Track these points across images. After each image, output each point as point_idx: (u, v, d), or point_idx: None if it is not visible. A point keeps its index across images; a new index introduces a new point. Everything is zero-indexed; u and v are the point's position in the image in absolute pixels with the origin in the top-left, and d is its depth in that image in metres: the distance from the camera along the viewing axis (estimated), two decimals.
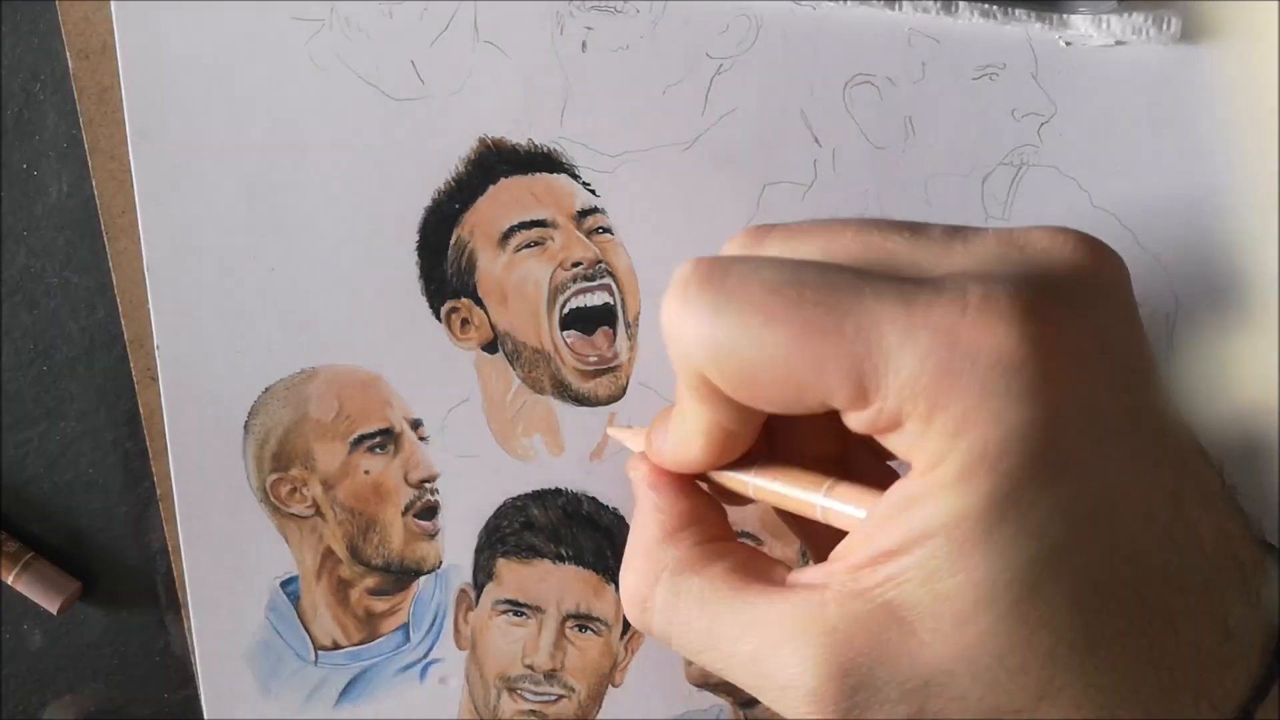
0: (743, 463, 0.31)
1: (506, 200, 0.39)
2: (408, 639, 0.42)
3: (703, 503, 0.32)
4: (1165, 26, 0.37)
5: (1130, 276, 0.29)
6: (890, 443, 0.27)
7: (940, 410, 0.26)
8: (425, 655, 0.42)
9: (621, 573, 0.32)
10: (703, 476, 0.32)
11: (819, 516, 0.30)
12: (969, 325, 0.25)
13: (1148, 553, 0.26)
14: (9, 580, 0.41)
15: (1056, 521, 0.26)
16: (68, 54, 0.39)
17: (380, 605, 0.42)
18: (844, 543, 0.28)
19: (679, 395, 0.30)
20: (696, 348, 0.28)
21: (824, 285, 0.27)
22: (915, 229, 0.29)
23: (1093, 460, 0.26)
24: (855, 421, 0.27)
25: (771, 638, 0.28)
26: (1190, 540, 0.27)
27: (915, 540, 0.26)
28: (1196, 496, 0.28)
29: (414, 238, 0.39)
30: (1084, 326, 0.26)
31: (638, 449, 0.36)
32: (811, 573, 0.28)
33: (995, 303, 0.26)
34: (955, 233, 0.29)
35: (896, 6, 0.37)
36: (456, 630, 0.42)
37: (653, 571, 0.31)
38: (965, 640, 0.26)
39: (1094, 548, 0.26)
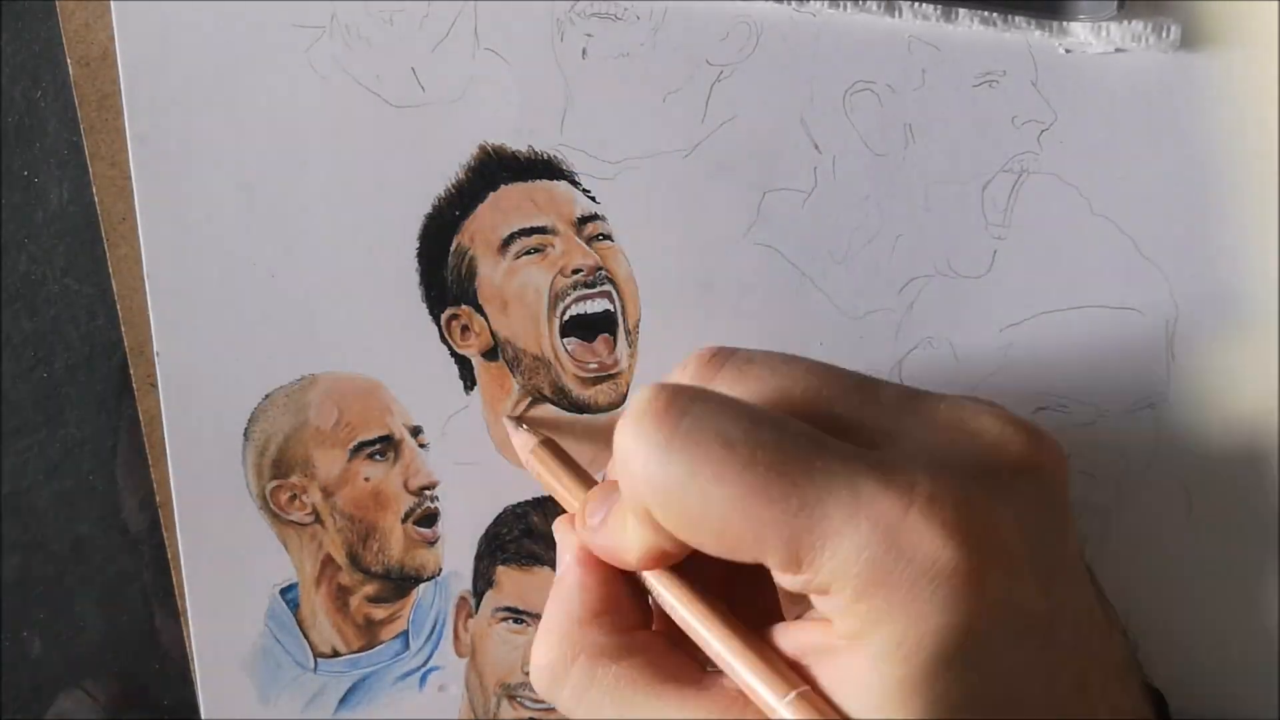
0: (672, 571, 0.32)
1: (506, 207, 0.39)
2: (407, 646, 0.42)
3: (626, 589, 0.33)
4: (1165, 34, 0.37)
5: (1067, 465, 0.30)
6: (814, 600, 0.29)
7: (867, 598, 0.27)
8: (425, 663, 0.42)
9: (535, 644, 0.33)
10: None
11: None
12: (910, 527, 0.27)
13: None
14: None
15: (963, 707, 0.27)
16: (68, 61, 0.39)
17: (380, 612, 0.42)
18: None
19: (621, 508, 0.31)
20: (644, 483, 0.28)
21: (777, 449, 0.27)
22: (866, 389, 0.30)
23: (1005, 654, 0.27)
24: (782, 579, 0.28)
25: None
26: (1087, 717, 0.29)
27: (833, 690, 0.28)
28: (1099, 679, 0.29)
29: (414, 245, 0.39)
30: (1019, 528, 0.28)
31: (522, 448, 0.38)
32: (728, 682, 0.29)
33: (939, 509, 0.27)
34: (907, 401, 0.30)
35: (896, 14, 0.37)
36: (456, 637, 0.42)
37: (570, 652, 0.31)
38: None
39: None
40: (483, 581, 0.41)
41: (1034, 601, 0.28)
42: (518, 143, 0.39)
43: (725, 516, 0.27)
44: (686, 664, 0.31)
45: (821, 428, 0.29)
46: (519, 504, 0.41)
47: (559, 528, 0.35)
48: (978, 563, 0.27)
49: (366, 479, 0.41)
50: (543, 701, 0.42)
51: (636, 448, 0.28)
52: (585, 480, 0.37)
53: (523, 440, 0.38)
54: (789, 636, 0.29)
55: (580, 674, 0.31)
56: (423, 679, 0.42)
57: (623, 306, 0.40)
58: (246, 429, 0.40)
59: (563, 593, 0.33)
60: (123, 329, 0.40)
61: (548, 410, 0.40)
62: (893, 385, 0.31)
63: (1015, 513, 0.28)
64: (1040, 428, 0.30)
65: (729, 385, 0.31)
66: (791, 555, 0.27)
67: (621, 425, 0.29)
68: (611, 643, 0.31)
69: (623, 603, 0.33)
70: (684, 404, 0.28)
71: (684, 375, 0.32)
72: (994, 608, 0.27)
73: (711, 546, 0.29)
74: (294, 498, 0.41)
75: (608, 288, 0.40)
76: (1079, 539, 0.33)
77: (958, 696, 0.27)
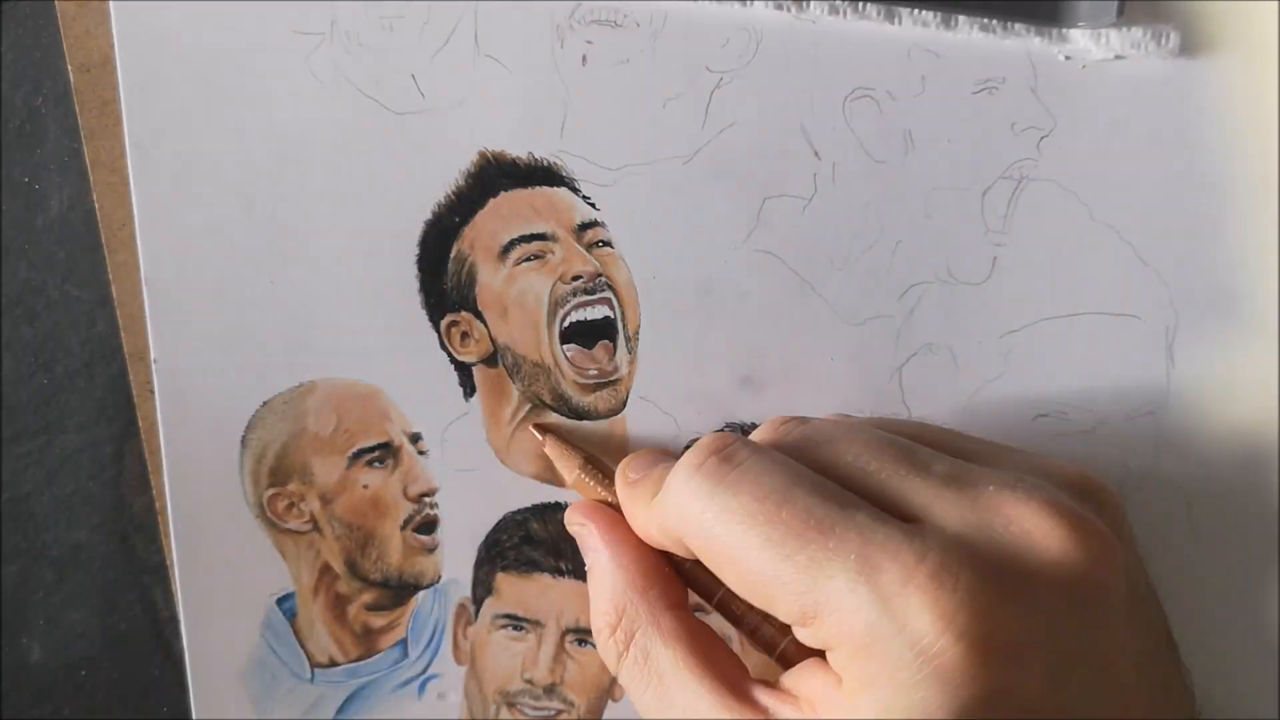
0: None
1: (506, 213, 0.39)
2: (406, 654, 0.42)
3: (662, 564, 0.35)
4: (1164, 41, 0.37)
5: (1117, 559, 0.30)
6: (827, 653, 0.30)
7: (860, 662, 0.28)
8: (424, 670, 0.42)
9: (594, 607, 0.35)
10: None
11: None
12: (907, 600, 0.27)
13: None
14: None
15: None
16: (69, 67, 0.39)
17: (378, 620, 0.42)
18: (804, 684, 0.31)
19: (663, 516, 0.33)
20: (682, 517, 0.31)
21: (803, 509, 0.29)
22: (917, 462, 0.31)
23: None
24: (794, 629, 0.30)
25: None
26: None
27: None
28: None
29: (414, 251, 0.39)
30: (1031, 621, 0.28)
31: (568, 474, 0.38)
32: (762, 695, 0.31)
33: (938, 587, 0.27)
34: (955, 479, 0.31)
35: (896, 21, 0.37)
36: (455, 645, 0.42)
37: (632, 615, 0.34)
38: None
39: None
40: (482, 588, 0.41)
41: (1045, 695, 0.28)
42: (518, 149, 0.39)
43: (745, 560, 0.29)
44: (727, 660, 0.33)
45: (868, 496, 0.30)
46: (518, 510, 0.41)
47: (575, 518, 0.37)
48: (969, 651, 0.27)
49: (365, 486, 0.41)
50: (542, 708, 0.41)
51: (688, 484, 0.31)
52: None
53: (567, 460, 0.39)
54: (804, 676, 0.31)
55: (636, 649, 0.33)
56: (421, 687, 0.42)
57: (622, 313, 0.40)
58: (244, 436, 0.40)
59: (602, 575, 0.35)
60: (122, 335, 0.40)
61: (548, 416, 0.40)
62: (947, 461, 0.31)
63: (1032, 606, 0.28)
64: (1090, 521, 0.30)
65: (790, 448, 0.32)
66: (798, 610, 0.29)
67: (681, 461, 0.32)
68: (661, 620, 0.33)
69: (665, 575, 0.34)
70: (736, 454, 0.31)
71: (759, 434, 0.34)
72: (987, 699, 0.27)
73: (733, 583, 0.31)
74: (291, 505, 0.41)
75: (607, 294, 0.40)
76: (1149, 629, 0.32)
77: None
